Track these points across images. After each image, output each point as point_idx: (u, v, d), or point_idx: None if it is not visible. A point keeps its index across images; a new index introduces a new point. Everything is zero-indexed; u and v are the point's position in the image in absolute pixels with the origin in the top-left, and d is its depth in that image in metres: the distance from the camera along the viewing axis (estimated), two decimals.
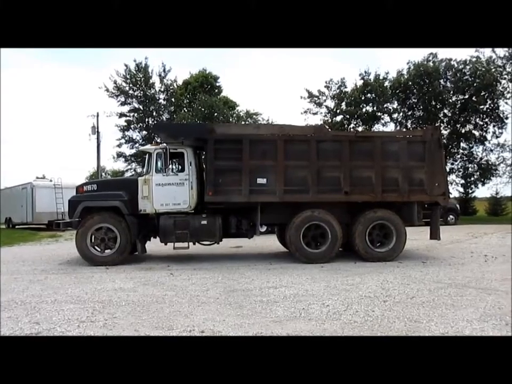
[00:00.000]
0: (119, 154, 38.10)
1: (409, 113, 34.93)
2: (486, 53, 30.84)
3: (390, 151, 10.54)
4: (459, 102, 33.17)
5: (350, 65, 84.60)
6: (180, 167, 10.97)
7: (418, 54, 45.50)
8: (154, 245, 11.91)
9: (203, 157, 11.53)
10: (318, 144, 10.39)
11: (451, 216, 24.83)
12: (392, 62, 75.98)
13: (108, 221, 10.52)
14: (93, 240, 10.56)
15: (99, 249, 10.59)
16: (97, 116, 34.44)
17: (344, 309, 6.01)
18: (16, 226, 26.32)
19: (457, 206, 26.73)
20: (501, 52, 30.03)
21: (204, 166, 11.14)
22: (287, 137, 10.37)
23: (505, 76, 30.94)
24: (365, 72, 34.69)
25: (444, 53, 32.67)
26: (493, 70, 30.49)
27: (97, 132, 34.25)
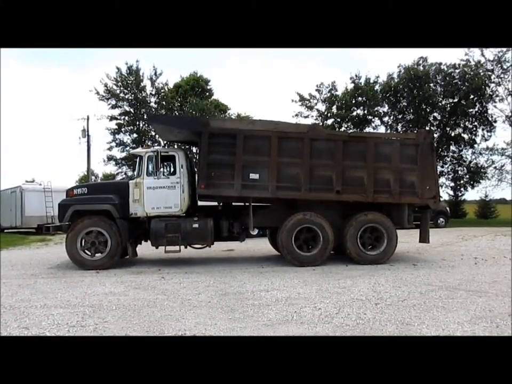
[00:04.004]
0: (110, 158, 37.87)
1: (400, 116, 35.20)
2: (475, 56, 31.26)
3: (383, 152, 10.57)
4: (448, 105, 33.52)
5: (341, 69, 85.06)
6: (171, 170, 10.92)
7: (408, 58, 45.82)
8: (145, 249, 11.84)
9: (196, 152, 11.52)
10: (312, 142, 10.38)
11: (441, 219, 24.99)
12: (382, 65, 76.53)
13: (98, 224, 10.43)
14: (83, 244, 10.46)
15: (89, 253, 10.49)
16: (88, 119, 34.30)
17: (336, 312, 6.01)
18: (5, 230, 25.98)
19: (447, 208, 26.93)
20: (490, 55, 30.43)
21: (197, 159, 11.08)
22: (281, 134, 10.34)
23: (494, 80, 31.32)
24: (356, 76, 34.93)
25: (433, 57, 33.08)
26: (482, 73, 30.84)
27: (88, 135, 34.06)
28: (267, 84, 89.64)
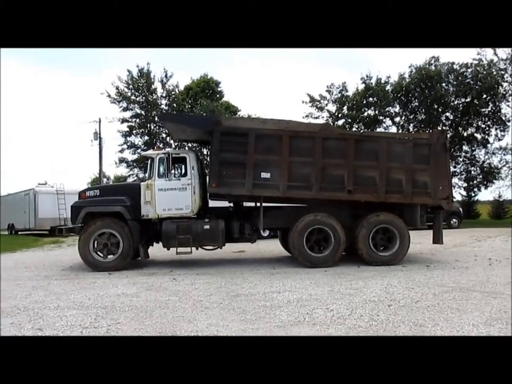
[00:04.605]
0: (121, 160, 38.14)
1: (411, 116, 34.91)
2: (487, 55, 30.90)
3: (395, 152, 10.47)
4: (461, 105, 33.15)
5: (352, 69, 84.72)
6: (183, 172, 10.96)
7: (419, 58, 45.56)
8: (157, 250, 11.89)
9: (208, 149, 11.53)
10: (323, 141, 10.31)
11: (454, 220, 24.77)
12: (393, 65, 76.08)
13: (110, 226, 10.50)
14: (95, 246, 10.54)
15: (102, 255, 10.57)
16: (99, 121, 34.64)
17: (348, 313, 5.97)
18: (19, 232, 26.34)
19: (460, 209, 26.66)
20: (503, 54, 30.06)
21: (208, 159, 11.07)
22: (293, 133, 10.30)
23: (507, 79, 30.94)
24: (367, 76, 34.77)
25: (445, 57, 32.82)
26: (494, 73, 30.48)
27: (100, 137, 34.40)
28: (276, 85, 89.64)
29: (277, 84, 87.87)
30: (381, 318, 5.67)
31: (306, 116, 35.49)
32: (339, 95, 35.27)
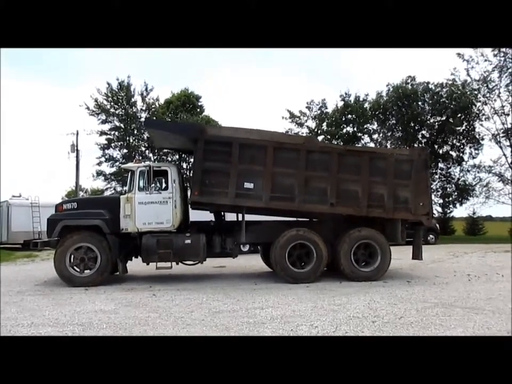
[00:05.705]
0: (99, 173, 37.65)
1: (389, 134, 35.64)
2: (461, 76, 31.96)
3: (378, 167, 10.53)
4: (436, 123, 34.06)
5: (331, 86, 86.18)
6: (164, 186, 10.79)
7: (397, 77, 46.83)
8: (135, 265, 11.62)
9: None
10: (307, 154, 10.31)
11: (431, 236, 25.12)
12: (371, 84, 77.94)
13: (88, 240, 10.22)
14: (72, 260, 10.21)
15: (78, 270, 10.23)
16: (77, 134, 34.10)
17: (333, 330, 5.90)
18: None
19: (437, 225, 27.08)
20: (476, 75, 31.09)
21: (191, 167, 10.99)
22: (277, 144, 10.27)
23: (480, 99, 31.93)
24: (345, 93, 35.48)
25: (421, 76, 33.75)
26: (468, 92, 31.47)
27: (77, 150, 33.82)
28: (256, 101, 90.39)
29: (258, 99, 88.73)
30: (366, 335, 5.61)
31: (286, 132, 35.84)
32: (318, 111, 35.82)
